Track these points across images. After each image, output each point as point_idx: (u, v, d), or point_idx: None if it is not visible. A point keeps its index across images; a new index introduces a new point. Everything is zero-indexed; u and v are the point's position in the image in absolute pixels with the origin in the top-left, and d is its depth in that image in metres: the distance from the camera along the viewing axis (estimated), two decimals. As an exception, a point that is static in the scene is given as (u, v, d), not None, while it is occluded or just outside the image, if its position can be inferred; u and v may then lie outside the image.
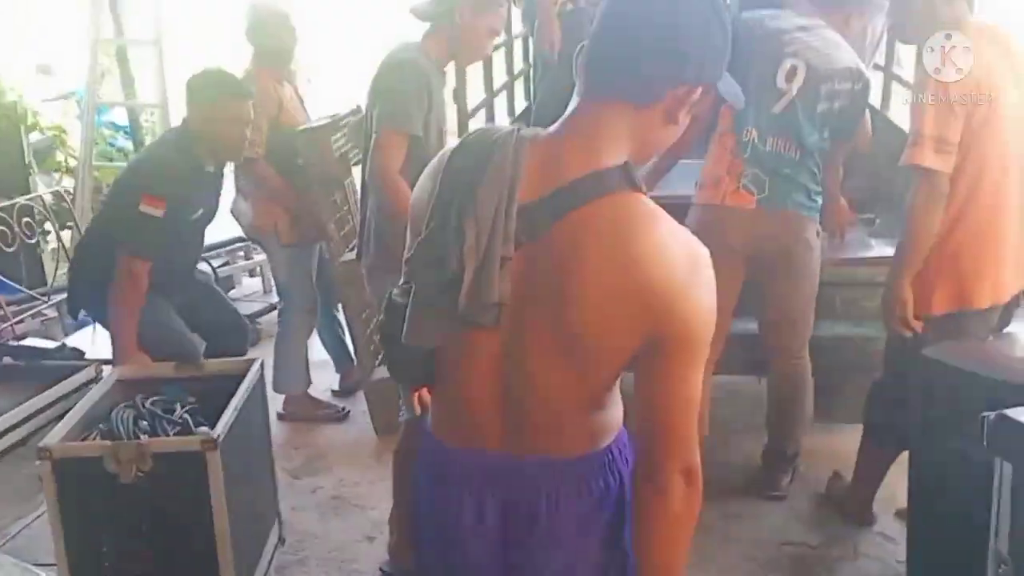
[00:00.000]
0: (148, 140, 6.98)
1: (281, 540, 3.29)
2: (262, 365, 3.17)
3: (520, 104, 5.81)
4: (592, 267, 1.39)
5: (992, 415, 2.15)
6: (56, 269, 5.71)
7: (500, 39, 4.66)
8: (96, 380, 3.35)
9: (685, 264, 1.40)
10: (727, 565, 3.27)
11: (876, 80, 4.37)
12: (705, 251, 1.44)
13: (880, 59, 4.68)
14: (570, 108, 1.50)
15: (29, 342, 4.54)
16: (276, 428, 4.35)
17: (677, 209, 3.42)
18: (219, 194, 3.67)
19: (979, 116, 2.75)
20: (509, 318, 1.46)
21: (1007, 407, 2.20)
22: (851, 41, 3.42)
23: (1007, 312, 3.02)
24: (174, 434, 2.73)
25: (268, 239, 4.33)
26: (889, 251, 3.72)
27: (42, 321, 5.19)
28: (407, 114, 3.01)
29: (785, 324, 3.53)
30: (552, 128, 1.50)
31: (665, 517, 1.49)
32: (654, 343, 1.41)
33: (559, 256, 1.41)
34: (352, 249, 3.94)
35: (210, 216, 3.63)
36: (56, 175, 7.27)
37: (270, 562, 3.12)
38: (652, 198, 3.48)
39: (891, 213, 3.94)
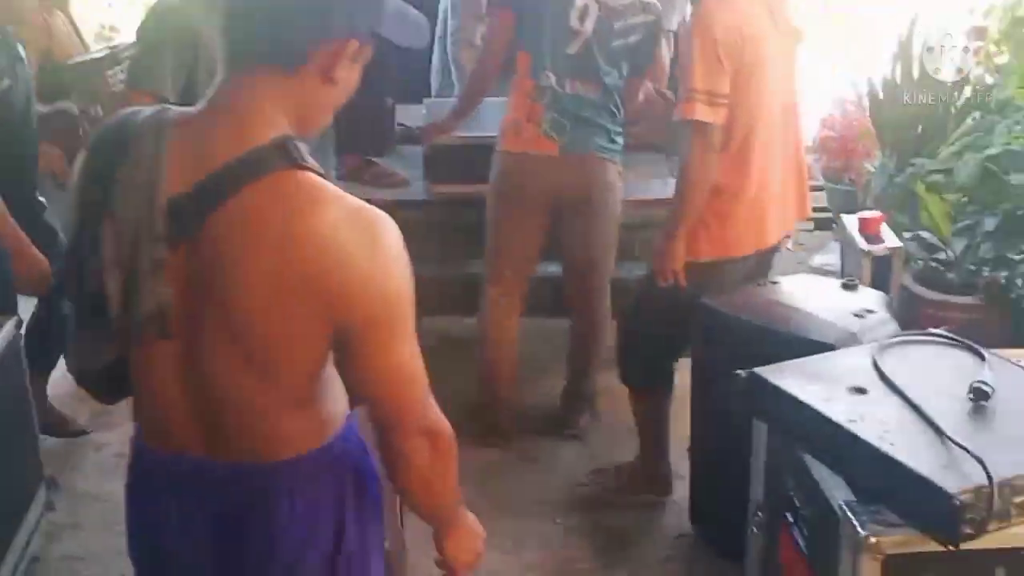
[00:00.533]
0: None
1: (49, 505, 3.10)
2: (19, 323, 2.95)
3: None
4: (257, 258, 1.27)
5: (744, 373, 2.16)
6: None
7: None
8: None
9: (361, 240, 1.28)
10: (519, 509, 3.25)
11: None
12: (385, 219, 1.32)
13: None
14: (216, 80, 1.35)
15: None
16: (64, 380, 4.13)
17: (487, 150, 3.42)
18: (18, 63, 3.19)
19: (746, 68, 2.72)
20: (182, 322, 1.33)
21: (781, 357, 2.23)
22: None
23: (768, 258, 3.05)
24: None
25: (43, 180, 4.03)
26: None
27: None
28: (154, 72, 2.76)
29: (586, 266, 3.53)
30: (199, 104, 1.36)
31: (415, 480, 1.46)
32: (346, 328, 1.31)
33: (220, 250, 1.28)
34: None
35: (23, 93, 3.18)
36: None
37: (33, 532, 2.94)
38: (462, 138, 3.42)
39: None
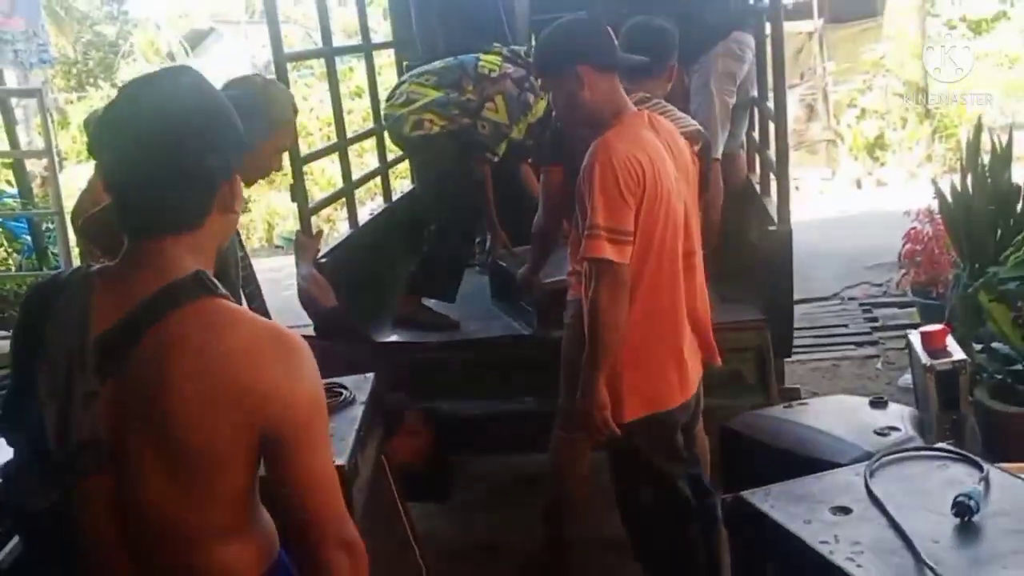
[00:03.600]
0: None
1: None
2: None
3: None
4: (180, 379, 1.35)
5: (728, 497, 2.06)
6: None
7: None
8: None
9: (273, 355, 1.39)
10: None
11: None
12: (298, 339, 1.43)
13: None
14: (126, 244, 1.46)
15: None
16: None
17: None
18: None
19: (647, 206, 2.57)
20: (116, 454, 1.40)
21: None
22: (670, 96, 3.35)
23: (694, 407, 2.85)
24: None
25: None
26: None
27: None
28: None
29: None
30: (118, 260, 1.48)
31: None
32: (267, 437, 1.39)
33: (147, 376, 1.37)
34: None
35: None
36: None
37: None
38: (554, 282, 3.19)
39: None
